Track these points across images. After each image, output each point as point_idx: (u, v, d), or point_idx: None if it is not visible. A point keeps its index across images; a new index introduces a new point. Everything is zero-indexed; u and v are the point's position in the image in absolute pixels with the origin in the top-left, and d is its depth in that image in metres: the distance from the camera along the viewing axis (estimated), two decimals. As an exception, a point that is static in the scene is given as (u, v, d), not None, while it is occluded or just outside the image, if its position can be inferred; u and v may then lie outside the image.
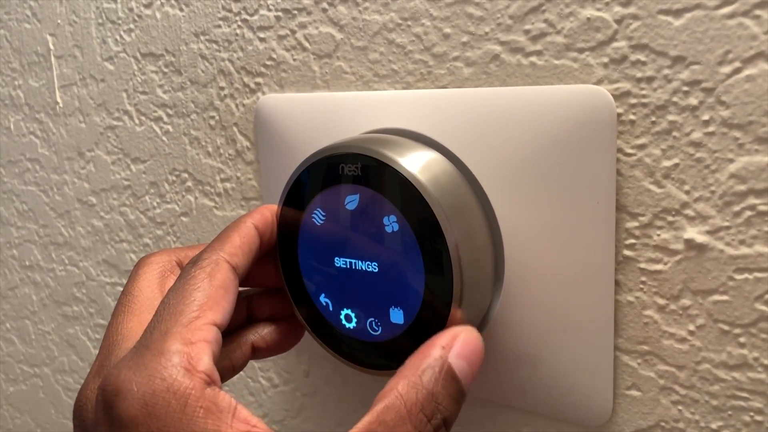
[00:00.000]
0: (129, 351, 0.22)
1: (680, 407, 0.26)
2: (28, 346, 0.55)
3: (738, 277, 0.24)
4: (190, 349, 0.21)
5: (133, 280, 0.27)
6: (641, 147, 0.24)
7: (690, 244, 0.24)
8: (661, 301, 0.25)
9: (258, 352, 0.29)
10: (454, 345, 0.22)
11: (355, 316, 0.27)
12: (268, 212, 0.28)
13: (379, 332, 0.27)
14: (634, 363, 0.26)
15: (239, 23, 0.35)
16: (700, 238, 0.24)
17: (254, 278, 0.30)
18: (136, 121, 0.42)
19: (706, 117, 0.23)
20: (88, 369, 0.50)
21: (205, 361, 0.21)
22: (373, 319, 0.27)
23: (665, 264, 0.25)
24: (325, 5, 0.32)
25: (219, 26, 0.36)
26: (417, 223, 0.24)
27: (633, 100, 0.24)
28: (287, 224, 0.28)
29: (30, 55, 0.48)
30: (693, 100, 0.23)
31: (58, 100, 0.47)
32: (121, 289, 0.46)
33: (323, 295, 0.28)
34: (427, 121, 0.28)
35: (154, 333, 0.22)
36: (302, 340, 0.34)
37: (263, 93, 0.35)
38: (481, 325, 0.27)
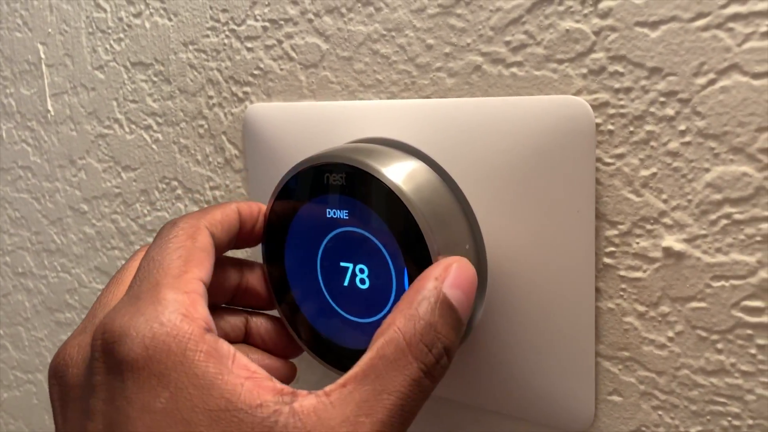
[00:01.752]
0: (119, 303, 0.22)
1: (660, 412, 0.26)
2: (22, 352, 0.56)
3: (715, 284, 0.24)
4: (185, 298, 0.21)
5: (127, 261, 0.27)
6: (620, 156, 0.25)
7: (668, 252, 0.25)
8: (641, 308, 0.26)
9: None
10: (447, 275, 0.22)
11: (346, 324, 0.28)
12: (255, 205, 0.28)
13: (364, 339, 0.27)
14: (615, 369, 0.27)
15: (227, 33, 0.35)
16: (678, 246, 0.24)
17: (245, 298, 0.30)
18: (127, 130, 0.42)
19: (682, 127, 0.23)
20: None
21: (200, 308, 0.21)
22: (357, 325, 0.27)
23: (644, 272, 0.25)
24: (311, 16, 0.32)
25: (207, 36, 0.36)
26: (401, 231, 0.25)
27: (611, 111, 0.25)
28: (273, 233, 0.29)
29: (21, 64, 0.48)
30: (669, 111, 0.24)
31: (50, 108, 0.47)
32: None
33: (309, 302, 0.28)
34: (411, 131, 0.28)
35: (144, 284, 0.22)
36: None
37: (251, 102, 0.35)
38: (464, 332, 0.28)
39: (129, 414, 0.19)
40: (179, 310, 0.20)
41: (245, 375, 0.20)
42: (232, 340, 0.28)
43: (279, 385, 0.20)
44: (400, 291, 0.25)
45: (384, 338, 0.20)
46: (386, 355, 0.20)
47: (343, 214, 0.26)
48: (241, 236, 0.28)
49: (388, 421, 0.19)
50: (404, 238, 0.25)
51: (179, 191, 0.40)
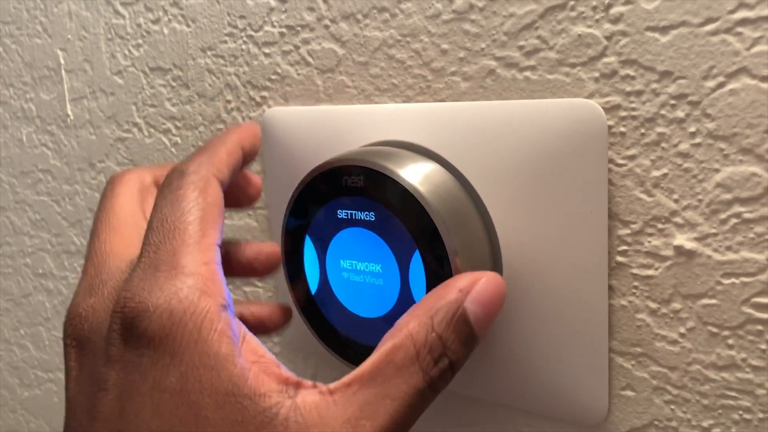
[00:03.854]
0: (136, 270, 0.21)
1: (673, 407, 0.27)
2: (42, 351, 0.57)
3: (725, 281, 0.25)
4: (204, 270, 0.21)
5: (110, 198, 0.26)
6: (631, 158, 0.25)
7: (679, 250, 0.25)
8: (653, 305, 0.26)
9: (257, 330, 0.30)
10: (473, 289, 0.21)
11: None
12: (251, 129, 0.28)
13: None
14: (628, 364, 0.27)
15: (245, 39, 0.36)
16: (689, 245, 0.25)
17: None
18: (146, 133, 0.43)
19: (692, 129, 0.24)
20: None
21: (218, 283, 0.21)
22: (378, 324, 0.28)
23: (656, 269, 0.26)
24: (327, 22, 0.33)
25: (225, 42, 0.37)
26: (418, 232, 0.26)
27: (623, 113, 0.25)
28: (293, 234, 0.29)
29: (41, 69, 0.49)
30: (680, 113, 0.24)
31: (69, 112, 0.48)
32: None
33: (329, 301, 0.29)
34: (426, 134, 0.29)
35: (160, 252, 0.21)
36: (309, 344, 0.35)
37: (268, 106, 0.36)
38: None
39: (140, 389, 0.19)
40: (197, 285, 0.20)
41: (253, 359, 0.20)
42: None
43: (285, 372, 0.20)
44: (416, 289, 0.26)
45: (394, 342, 0.20)
46: (394, 360, 0.20)
47: (362, 216, 0.27)
48: (242, 164, 0.27)
49: (389, 426, 0.19)
50: (422, 239, 0.25)
51: (198, 193, 0.41)
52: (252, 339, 0.21)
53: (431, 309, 0.21)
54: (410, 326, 0.21)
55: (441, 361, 0.20)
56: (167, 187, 0.23)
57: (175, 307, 0.20)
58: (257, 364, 0.20)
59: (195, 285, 0.20)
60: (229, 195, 0.27)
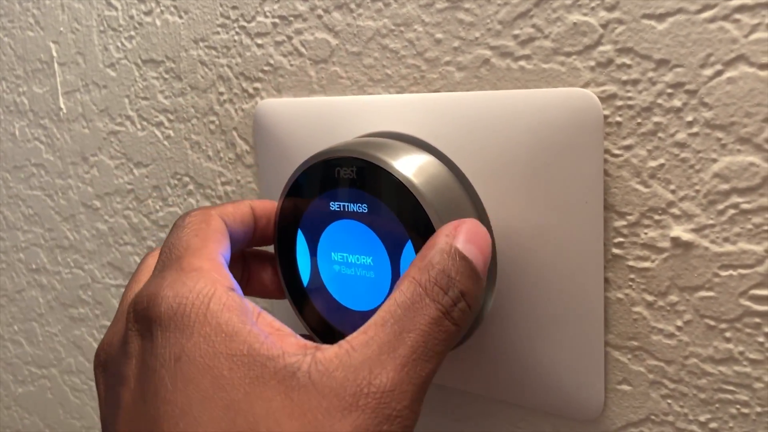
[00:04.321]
0: (147, 282, 0.23)
1: (669, 401, 0.26)
2: (36, 347, 0.56)
3: (723, 273, 0.24)
4: (209, 264, 0.22)
5: (141, 263, 0.28)
6: (628, 148, 0.25)
7: (676, 242, 0.25)
8: (650, 298, 0.26)
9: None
10: (458, 233, 0.22)
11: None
12: (269, 203, 0.29)
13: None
14: (624, 358, 0.27)
15: (237, 30, 0.36)
16: (686, 236, 0.25)
17: (256, 287, 0.31)
18: (138, 126, 0.43)
19: (689, 118, 0.24)
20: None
21: (223, 271, 0.22)
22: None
23: (653, 261, 0.25)
24: (320, 12, 0.32)
25: (217, 33, 0.37)
26: (411, 223, 0.25)
27: (619, 103, 0.25)
28: (285, 226, 0.29)
29: (33, 63, 0.49)
30: (677, 102, 0.24)
31: (62, 106, 0.47)
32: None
33: (322, 295, 0.29)
34: (420, 125, 0.29)
35: (166, 261, 0.23)
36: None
37: (261, 98, 0.36)
38: (474, 322, 0.28)
39: (155, 368, 0.20)
40: (202, 275, 0.21)
41: (269, 330, 0.20)
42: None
43: (303, 340, 0.20)
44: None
45: (399, 288, 0.21)
46: (403, 301, 0.20)
47: (354, 208, 0.27)
48: (257, 233, 0.28)
49: (410, 355, 0.19)
50: (415, 230, 0.25)
51: (191, 187, 0.41)
52: (267, 315, 0.21)
53: (426, 255, 0.22)
54: (411, 272, 0.21)
55: (450, 290, 0.21)
56: (173, 228, 0.25)
57: (182, 291, 0.21)
58: (273, 334, 0.20)
59: (200, 274, 0.21)
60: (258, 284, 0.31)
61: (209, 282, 0.21)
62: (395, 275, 0.26)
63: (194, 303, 0.20)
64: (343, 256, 0.27)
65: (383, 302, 0.21)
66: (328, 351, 0.20)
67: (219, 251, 0.24)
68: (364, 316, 0.28)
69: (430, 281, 0.21)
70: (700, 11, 0.23)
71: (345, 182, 0.27)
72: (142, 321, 0.21)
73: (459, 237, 0.22)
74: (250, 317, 0.20)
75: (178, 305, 0.20)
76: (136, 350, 0.21)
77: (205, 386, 0.19)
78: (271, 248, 0.30)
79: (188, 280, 0.21)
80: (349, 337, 0.20)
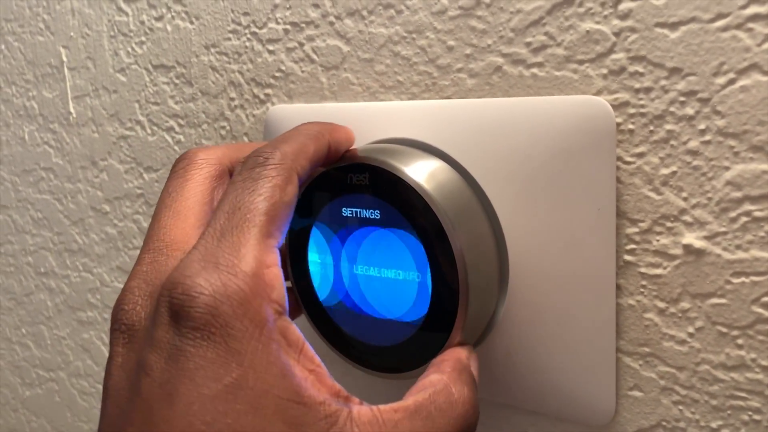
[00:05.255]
0: (193, 253, 0.20)
1: (681, 407, 0.26)
2: (44, 350, 0.56)
3: (735, 280, 0.24)
4: (266, 274, 0.20)
5: (180, 180, 0.24)
6: (640, 155, 0.25)
7: (688, 249, 0.25)
8: (661, 305, 0.26)
9: None
10: (472, 358, 0.25)
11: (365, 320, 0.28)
12: (346, 135, 0.26)
13: (387, 336, 0.27)
14: (635, 364, 0.27)
15: (248, 36, 0.36)
16: (698, 244, 0.25)
17: None
18: (149, 131, 0.43)
19: (702, 126, 0.24)
20: (103, 373, 0.51)
21: (278, 288, 0.20)
22: (382, 323, 0.28)
23: (665, 268, 0.26)
24: (332, 19, 0.32)
25: (229, 39, 0.37)
26: (423, 230, 0.25)
27: (631, 110, 0.25)
28: (297, 232, 0.29)
29: (44, 67, 0.49)
30: (689, 110, 0.24)
31: (72, 110, 0.48)
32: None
33: (333, 300, 0.29)
34: (432, 131, 0.29)
35: (224, 242, 0.20)
36: (313, 343, 0.35)
37: (272, 104, 0.36)
38: (486, 328, 0.28)
39: (194, 379, 0.18)
40: (259, 290, 0.19)
41: (310, 367, 0.20)
42: None
43: (336, 385, 0.20)
44: (422, 287, 0.26)
45: (436, 388, 0.22)
46: (438, 402, 0.22)
47: (366, 214, 0.27)
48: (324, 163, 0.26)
49: None
50: (427, 236, 0.25)
51: (201, 191, 0.41)
52: (309, 348, 0.20)
53: (456, 369, 0.24)
54: (446, 377, 0.23)
55: (474, 414, 0.23)
56: (246, 172, 0.22)
57: (237, 309, 0.19)
58: (314, 373, 0.20)
59: (256, 289, 0.19)
60: None
61: (264, 306, 0.19)
62: (409, 281, 0.26)
63: (247, 328, 0.19)
64: (356, 263, 0.28)
65: (417, 391, 0.22)
66: (363, 411, 0.20)
67: (279, 242, 0.21)
68: (375, 323, 0.28)
69: (462, 397, 0.23)
70: (713, 20, 0.23)
71: (357, 188, 0.27)
72: (179, 315, 0.19)
73: (472, 363, 0.25)
74: (294, 353, 0.20)
75: (225, 325, 0.19)
76: (165, 342, 0.19)
77: (245, 419, 0.18)
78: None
79: (242, 293, 0.19)
80: (381, 407, 0.20)
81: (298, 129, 0.25)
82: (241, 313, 0.19)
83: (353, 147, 0.28)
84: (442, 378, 0.23)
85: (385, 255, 0.27)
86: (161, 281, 0.21)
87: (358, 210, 0.27)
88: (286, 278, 0.30)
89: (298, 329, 0.20)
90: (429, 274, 0.25)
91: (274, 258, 0.21)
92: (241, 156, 0.25)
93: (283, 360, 0.19)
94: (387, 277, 0.27)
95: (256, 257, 0.20)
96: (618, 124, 0.25)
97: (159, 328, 0.19)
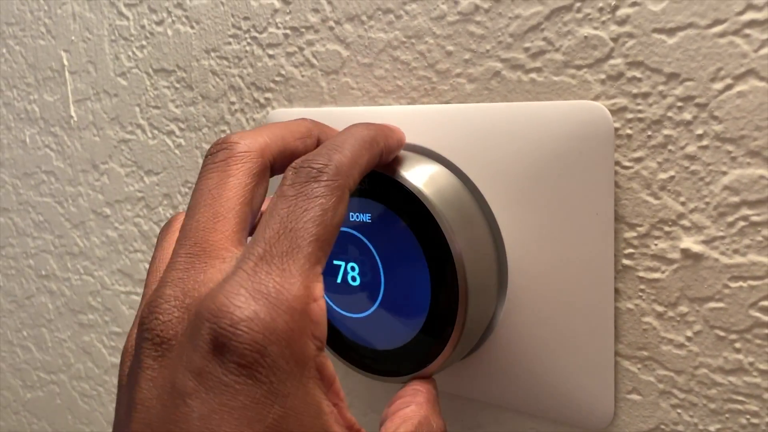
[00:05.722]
0: (238, 275, 0.19)
1: (679, 410, 0.27)
2: (45, 353, 0.57)
3: (733, 285, 0.24)
4: (313, 309, 0.19)
5: (221, 172, 0.22)
6: (638, 160, 0.25)
7: (686, 253, 0.25)
8: (660, 309, 0.26)
9: None
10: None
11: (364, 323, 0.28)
12: (400, 137, 0.26)
13: (387, 340, 0.28)
14: (634, 368, 0.27)
15: (249, 41, 0.36)
16: (696, 248, 0.25)
17: None
18: (149, 135, 0.43)
19: (699, 131, 0.24)
20: (104, 376, 0.51)
21: (322, 325, 0.19)
22: (380, 327, 0.28)
23: (663, 272, 0.26)
24: (331, 24, 0.33)
25: (229, 43, 0.37)
26: (422, 234, 0.25)
27: (629, 115, 0.25)
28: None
29: (45, 71, 0.49)
30: (687, 115, 0.24)
31: (73, 114, 0.48)
32: (136, 298, 0.47)
33: (332, 303, 0.29)
34: (431, 136, 0.29)
35: (273, 266, 0.19)
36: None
37: (272, 108, 0.36)
38: (485, 332, 0.28)
39: (235, 415, 0.18)
40: (305, 328, 0.19)
41: (335, 401, 0.20)
42: None
43: (352, 418, 0.21)
44: (421, 292, 0.26)
45: (420, 420, 0.24)
46: None
47: (366, 218, 0.27)
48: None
49: None
50: (426, 241, 0.25)
51: (201, 195, 0.41)
52: (338, 383, 0.20)
53: (430, 397, 0.26)
54: (422, 411, 0.25)
55: None
56: (299, 184, 0.20)
57: (283, 347, 0.18)
58: (337, 407, 0.20)
59: (303, 326, 0.19)
60: None
61: (309, 344, 0.19)
62: (407, 285, 0.26)
63: (290, 365, 0.18)
64: (353, 266, 0.28)
65: (397, 414, 0.24)
66: None
67: (325, 262, 0.20)
68: (376, 327, 0.28)
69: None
70: (710, 26, 0.23)
71: (356, 192, 0.27)
72: (223, 345, 0.18)
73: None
74: (327, 386, 0.19)
75: (276, 361, 0.18)
76: (205, 368, 0.18)
77: None
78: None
79: (287, 326, 0.18)
80: None
81: (351, 132, 0.23)
82: (288, 353, 0.18)
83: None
84: (421, 410, 0.24)
85: (384, 259, 0.27)
86: (200, 293, 0.19)
87: (357, 214, 0.27)
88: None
89: (332, 365, 0.20)
90: (428, 279, 0.26)
91: (321, 289, 0.20)
92: (285, 147, 0.24)
93: (318, 399, 0.19)
94: (387, 280, 0.27)
95: (305, 290, 0.19)
96: (616, 129, 0.25)
97: (200, 354, 0.18)
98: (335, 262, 0.28)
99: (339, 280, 0.28)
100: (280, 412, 0.18)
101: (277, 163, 0.23)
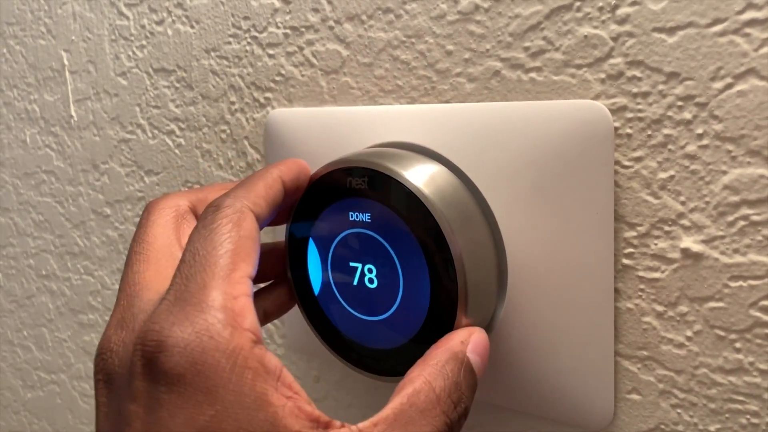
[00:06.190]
0: (162, 303, 0.20)
1: (679, 410, 0.26)
2: (45, 353, 0.57)
3: (733, 284, 0.24)
4: (234, 305, 0.20)
5: (145, 227, 0.25)
6: (638, 159, 0.25)
7: (686, 252, 0.25)
8: (660, 308, 0.26)
9: (268, 318, 0.30)
10: (470, 341, 0.24)
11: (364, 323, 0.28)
12: (295, 165, 0.27)
13: (387, 340, 0.28)
14: (634, 368, 0.27)
15: (249, 40, 0.36)
16: (696, 247, 0.25)
17: (266, 274, 0.30)
18: (149, 135, 0.43)
19: (699, 130, 0.24)
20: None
21: (249, 318, 0.20)
22: (381, 326, 0.28)
23: (663, 272, 0.26)
24: (331, 23, 0.33)
25: (229, 43, 0.37)
26: (422, 233, 0.25)
27: (629, 115, 0.25)
28: (297, 236, 0.29)
29: (45, 71, 0.49)
30: (687, 115, 0.24)
31: (73, 114, 0.48)
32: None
33: (332, 303, 0.29)
34: (431, 135, 0.29)
35: (190, 285, 0.21)
36: (313, 346, 0.35)
37: (273, 107, 0.36)
38: (485, 331, 0.28)
39: (170, 427, 0.18)
40: (227, 320, 0.20)
41: (288, 394, 0.20)
42: None
43: (316, 411, 0.20)
44: (421, 291, 0.26)
45: (415, 387, 0.22)
46: (417, 403, 0.21)
47: (365, 217, 0.27)
48: (285, 201, 0.27)
49: None
50: (426, 241, 0.25)
51: (201, 195, 0.41)
52: (287, 375, 0.20)
53: (441, 359, 0.23)
54: (426, 373, 0.22)
55: (459, 405, 0.22)
56: (202, 222, 0.23)
57: (207, 344, 0.19)
58: (291, 399, 0.20)
59: (226, 320, 0.20)
60: (280, 303, 0.30)
61: (236, 335, 0.19)
62: (407, 285, 0.26)
63: (219, 363, 0.19)
64: (355, 266, 0.28)
65: (395, 395, 0.22)
66: None
67: (248, 272, 0.22)
68: (375, 326, 0.28)
69: (445, 391, 0.22)
70: (710, 25, 0.23)
71: (356, 192, 0.27)
72: (153, 364, 0.19)
73: (470, 346, 0.24)
74: (273, 380, 0.20)
75: (203, 363, 0.19)
76: (142, 391, 0.19)
77: None
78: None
79: (214, 329, 0.19)
80: (361, 425, 0.20)
81: (251, 175, 0.26)
82: (211, 347, 0.19)
83: (352, 151, 0.28)
84: (422, 374, 0.22)
85: (382, 259, 0.27)
86: (134, 327, 0.21)
87: (357, 213, 0.27)
88: (285, 280, 0.30)
89: (275, 357, 0.20)
90: (428, 278, 0.26)
91: (243, 288, 0.21)
92: (201, 196, 0.27)
93: (258, 389, 0.19)
94: (387, 280, 0.27)
95: (222, 291, 0.20)
96: (616, 129, 0.25)
97: (136, 378, 0.19)
98: (349, 262, 0.28)
99: (355, 282, 0.28)
100: (212, 410, 0.18)
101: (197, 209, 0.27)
